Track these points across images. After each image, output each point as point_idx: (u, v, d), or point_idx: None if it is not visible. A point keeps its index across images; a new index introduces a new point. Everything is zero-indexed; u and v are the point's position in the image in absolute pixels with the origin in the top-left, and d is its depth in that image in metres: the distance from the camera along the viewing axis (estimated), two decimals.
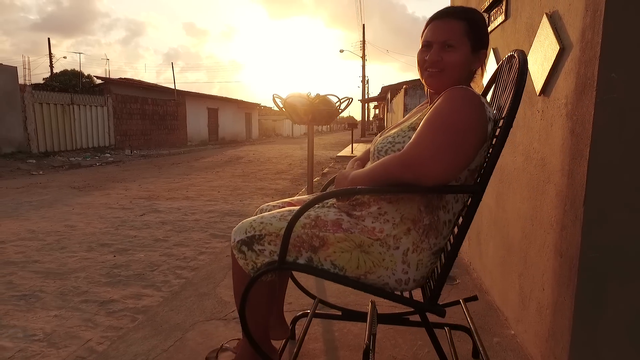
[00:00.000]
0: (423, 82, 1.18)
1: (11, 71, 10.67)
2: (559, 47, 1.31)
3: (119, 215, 4.59)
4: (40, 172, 9.01)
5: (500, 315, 1.83)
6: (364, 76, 30.63)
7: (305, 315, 1.62)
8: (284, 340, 1.48)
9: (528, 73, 1.53)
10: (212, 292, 2.10)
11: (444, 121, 0.99)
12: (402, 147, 1.05)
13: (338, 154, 12.60)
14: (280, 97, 3.10)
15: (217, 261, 2.57)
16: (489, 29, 2.14)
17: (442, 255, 1.14)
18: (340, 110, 3.22)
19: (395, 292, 1.11)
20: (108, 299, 2.41)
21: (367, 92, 33.49)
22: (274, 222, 1.10)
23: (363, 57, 29.65)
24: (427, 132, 0.99)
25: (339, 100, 3.38)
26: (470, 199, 1.07)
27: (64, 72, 30.08)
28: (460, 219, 1.09)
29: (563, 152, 1.29)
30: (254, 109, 29.68)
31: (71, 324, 2.11)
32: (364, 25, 30.16)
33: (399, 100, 13.68)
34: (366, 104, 32.09)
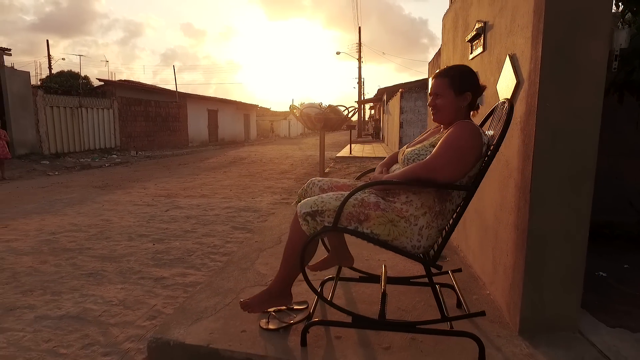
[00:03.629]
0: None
1: (24, 76, 11.11)
2: (516, 81, 1.85)
3: (146, 211, 5.09)
4: (56, 173, 9.46)
5: (479, 281, 2.36)
6: (360, 78, 31.21)
7: (331, 279, 2.14)
8: (316, 298, 1.99)
9: (497, 97, 2.06)
10: (251, 267, 2.62)
11: (453, 143, 1.54)
12: (424, 158, 1.61)
13: (337, 155, 13.13)
14: (296, 107, 3.62)
15: (247, 246, 3.07)
16: (471, 56, 2.67)
17: (444, 232, 1.66)
18: (348, 118, 3.74)
19: (410, 253, 1.63)
20: (160, 277, 2.92)
21: (363, 93, 34.05)
22: (332, 202, 1.62)
23: (359, 60, 30.21)
24: (443, 149, 1.55)
25: (347, 109, 3.91)
26: (466, 195, 1.60)
27: (61, 73, 30.29)
28: (458, 209, 1.62)
29: (519, 156, 1.82)
30: (252, 110, 30.16)
31: (136, 294, 2.63)
32: (360, 28, 30.77)
33: (395, 102, 14.21)
34: (362, 105, 32.62)
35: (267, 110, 37.97)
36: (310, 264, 1.93)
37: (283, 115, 39.21)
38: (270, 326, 1.81)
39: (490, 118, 1.86)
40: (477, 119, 1.85)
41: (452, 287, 2.03)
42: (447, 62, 3.63)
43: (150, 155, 14.82)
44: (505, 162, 1.99)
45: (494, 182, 2.17)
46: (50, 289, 2.67)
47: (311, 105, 3.59)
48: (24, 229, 4.18)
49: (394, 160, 1.94)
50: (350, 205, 1.59)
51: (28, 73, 11.21)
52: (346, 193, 1.60)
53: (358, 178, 2.09)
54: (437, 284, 1.99)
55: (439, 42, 3.89)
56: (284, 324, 1.81)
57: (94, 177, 8.72)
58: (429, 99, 1.77)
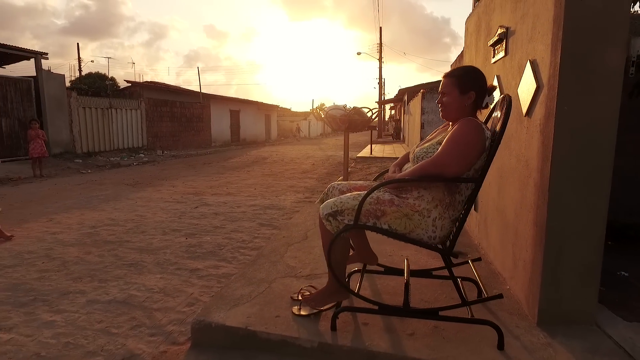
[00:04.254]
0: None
1: (60, 79, 11.67)
2: (536, 86, 1.94)
3: (177, 207, 5.35)
4: (89, 171, 9.93)
5: (500, 277, 2.45)
6: (380, 78, 31.16)
7: (358, 272, 2.29)
8: (347, 279, 2.13)
9: (518, 100, 2.16)
10: (281, 260, 2.78)
11: (457, 139, 1.66)
12: (432, 155, 1.72)
13: (358, 155, 13.23)
14: (323, 110, 3.77)
15: (276, 241, 3.24)
16: (494, 60, 2.76)
17: (457, 223, 1.78)
18: (372, 120, 3.87)
19: (427, 244, 1.76)
20: (194, 268, 3.12)
21: (384, 94, 33.96)
22: (350, 202, 1.76)
23: (380, 60, 30.17)
24: (448, 145, 1.67)
25: (370, 110, 4.04)
26: (474, 187, 1.72)
27: (89, 75, 31.38)
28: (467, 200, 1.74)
29: (538, 156, 1.92)
30: (273, 111, 30.53)
31: (174, 283, 2.83)
32: (380, 28, 30.70)
33: (416, 103, 14.20)
34: (382, 106, 32.54)
35: (288, 110, 38.33)
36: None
37: (303, 115, 39.51)
38: (302, 312, 1.96)
39: (493, 115, 1.97)
40: (482, 116, 1.96)
41: (472, 279, 2.14)
42: (469, 63, 3.71)
43: (175, 154, 15.28)
44: (526, 163, 2.09)
45: (514, 181, 2.27)
46: (97, 276, 2.91)
47: (336, 107, 3.74)
48: (67, 223, 4.49)
49: (405, 159, 2.09)
50: (367, 204, 1.73)
51: (63, 76, 11.78)
52: (363, 193, 1.74)
53: (375, 179, 2.23)
54: (458, 277, 2.11)
55: (462, 42, 3.97)
56: (315, 311, 1.96)
57: (124, 175, 9.12)
58: (438, 97, 1.92)
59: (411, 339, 1.76)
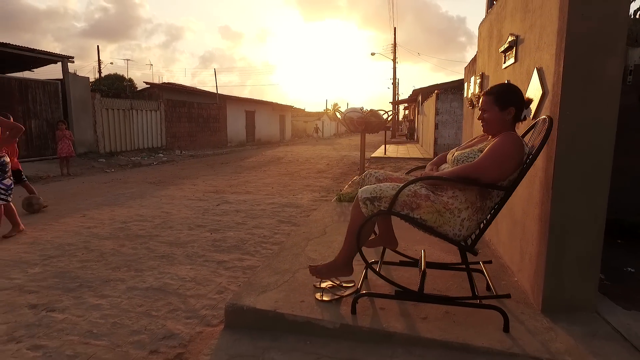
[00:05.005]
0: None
1: (85, 81, 12.14)
2: (542, 92, 2.10)
3: (200, 205, 5.61)
4: (112, 170, 10.33)
5: (508, 270, 2.61)
6: (394, 79, 31.18)
7: (375, 262, 2.48)
8: (362, 278, 2.32)
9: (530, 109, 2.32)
10: (302, 252, 2.99)
11: (499, 151, 1.83)
12: (472, 161, 1.90)
13: (372, 155, 13.37)
14: (340, 112, 3.97)
15: (296, 236, 3.45)
16: (504, 65, 2.92)
17: (481, 225, 1.96)
18: (387, 122, 4.05)
19: (452, 239, 1.93)
20: (221, 260, 3.36)
21: (397, 93, 33.94)
22: (389, 191, 1.94)
23: (394, 61, 30.19)
24: (490, 154, 1.84)
25: (385, 112, 4.22)
26: (504, 195, 1.89)
27: (108, 76, 32.22)
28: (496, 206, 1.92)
29: (543, 157, 2.08)
30: (287, 111, 30.83)
31: (204, 273, 3.06)
32: (395, 29, 30.72)
33: (430, 103, 14.27)
34: (396, 106, 32.54)
35: (302, 110, 38.60)
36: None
37: (317, 115, 39.74)
38: (325, 298, 2.16)
39: (532, 130, 2.12)
40: (520, 130, 2.11)
41: (483, 272, 2.31)
42: (482, 68, 3.87)
43: (193, 154, 15.66)
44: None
45: (523, 180, 2.42)
46: (133, 266, 3.17)
47: (354, 110, 3.93)
48: (99, 218, 4.78)
49: (442, 160, 2.27)
50: (404, 195, 1.91)
51: (87, 78, 12.24)
52: (400, 185, 1.92)
53: (408, 173, 2.42)
54: (471, 270, 2.28)
55: (477, 42, 4.11)
56: (336, 297, 2.16)
57: (146, 174, 9.47)
58: (479, 113, 2.06)
59: (424, 322, 1.95)
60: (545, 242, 2.00)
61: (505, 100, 1.96)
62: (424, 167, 2.36)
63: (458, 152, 2.06)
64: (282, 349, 1.88)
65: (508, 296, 2.02)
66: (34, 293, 2.67)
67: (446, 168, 2.08)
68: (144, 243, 3.79)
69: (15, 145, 5.06)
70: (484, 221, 1.97)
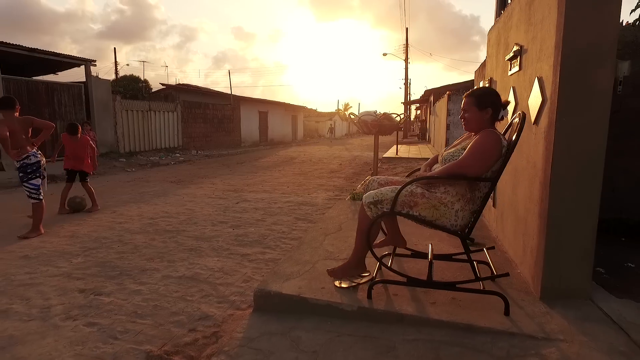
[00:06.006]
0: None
1: (106, 84, 12.62)
2: (542, 99, 2.31)
3: (220, 202, 5.91)
4: (133, 170, 10.73)
5: (512, 263, 2.82)
6: (406, 79, 31.23)
7: (388, 255, 2.71)
8: (376, 268, 2.55)
9: (529, 110, 2.53)
10: (320, 246, 3.23)
11: (479, 147, 2.08)
12: (458, 158, 2.14)
13: (384, 155, 13.55)
14: (355, 115, 4.20)
15: (314, 231, 3.70)
16: (510, 72, 3.12)
17: (475, 214, 2.18)
18: (400, 125, 4.27)
19: (450, 230, 2.16)
20: (244, 253, 3.62)
21: (409, 94, 33.98)
22: (389, 193, 2.19)
23: (406, 61, 30.25)
24: (471, 151, 2.09)
25: (398, 115, 4.44)
26: (490, 185, 2.11)
27: (124, 78, 32.95)
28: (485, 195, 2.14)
29: (543, 158, 2.29)
30: (299, 112, 31.15)
31: (230, 265, 3.33)
32: (407, 29, 30.78)
33: (442, 104, 14.39)
34: (408, 106, 32.58)
35: (313, 111, 38.90)
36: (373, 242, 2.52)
37: (328, 116, 40.00)
38: (343, 285, 2.41)
39: (511, 127, 2.35)
40: (500, 127, 2.35)
41: (486, 263, 2.53)
42: (490, 73, 4.06)
43: (208, 154, 16.05)
44: (533, 164, 2.46)
45: (525, 180, 2.63)
46: (165, 258, 3.46)
47: (368, 113, 4.16)
48: (128, 215, 5.11)
49: (435, 161, 2.52)
50: (403, 195, 2.16)
51: (109, 81, 12.72)
52: (399, 187, 2.16)
53: (408, 175, 2.65)
54: (475, 260, 2.50)
55: (486, 48, 4.30)
56: (354, 284, 2.40)
57: (166, 173, 9.83)
58: (461, 113, 2.32)
59: (433, 306, 2.18)
60: (544, 237, 2.21)
61: (483, 101, 2.21)
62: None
63: (446, 151, 2.31)
64: (306, 328, 2.13)
65: (507, 275, 2.25)
66: (81, 279, 2.97)
67: (437, 168, 2.34)
68: (172, 237, 4.09)
69: (89, 146, 5.47)
70: (477, 210, 2.19)
